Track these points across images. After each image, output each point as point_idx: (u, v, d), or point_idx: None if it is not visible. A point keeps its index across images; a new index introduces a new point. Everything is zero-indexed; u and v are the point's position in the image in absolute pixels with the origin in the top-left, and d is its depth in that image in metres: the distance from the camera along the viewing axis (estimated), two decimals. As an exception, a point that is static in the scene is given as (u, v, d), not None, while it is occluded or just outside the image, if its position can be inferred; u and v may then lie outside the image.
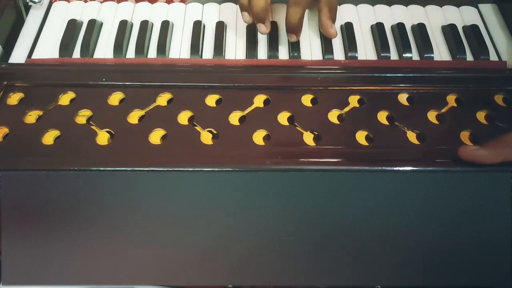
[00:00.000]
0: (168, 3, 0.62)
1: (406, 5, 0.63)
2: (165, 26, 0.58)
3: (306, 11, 0.56)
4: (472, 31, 0.58)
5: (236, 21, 0.60)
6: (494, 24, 0.60)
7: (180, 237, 0.40)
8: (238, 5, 0.62)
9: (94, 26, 0.57)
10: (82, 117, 0.47)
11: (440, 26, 0.60)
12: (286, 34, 0.56)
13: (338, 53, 0.56)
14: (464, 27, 0.59)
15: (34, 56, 0.55)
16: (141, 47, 0.55)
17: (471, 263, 0.39)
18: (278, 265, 0.39)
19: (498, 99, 0.50)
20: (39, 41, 0.57)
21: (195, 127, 0.46)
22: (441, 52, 0.57)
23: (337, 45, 0.57)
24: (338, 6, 0.62)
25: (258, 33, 0.58)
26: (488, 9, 0.62)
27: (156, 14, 0.61)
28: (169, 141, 0.45)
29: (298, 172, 0.43)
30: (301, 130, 0.46)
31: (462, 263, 0.39)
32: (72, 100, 0.49)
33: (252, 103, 0.49)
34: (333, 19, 0.57)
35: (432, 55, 0.56)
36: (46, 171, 0.42)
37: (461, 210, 0.40)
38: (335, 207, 0.40)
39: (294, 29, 0.55)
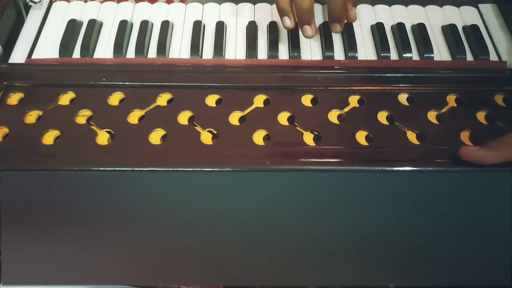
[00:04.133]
0: (168, 3, 0.62)
1: (406, 5, 0.63)
2: (165, 26, 0.58)
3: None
4: (472, 31, 0.58)
5: (236, 21, 0.60)
6: (494, 24, 0.60)
7: (180, 237, 0.39)
8: (238, 6, 0.62)
9: (94, 26, 0.57)
10: (82, 117, 0.47)
11: (440, 26, 0.60)
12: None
13: (338, 53, 0.56)
14: (464, 27, 0.59)
15: (34, 56, 0.55)
16: (141, 47, 0.55)
17: (471, 263, 0.39)
18: (278, 264, 0.39)
19: (498, 99, 0.50)
20: (39, 41, 0.57)
21: (195, 127, 0.46)
22: (441, 52, 0.57)
23: (337, 45, 0.57)
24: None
25: (258, 33, 0.58)
26: (488, 9, 0.62)
27: (156, 14, 0.61)
28: (169, 141, 0.45)
29: (298, 172, 0.43)
30: (301, 130, 0.46)
31: (462, 263, 0.39)
32: (72, 100, 0.49)
33: (252, 103, 0.49)
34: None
35: (432, 55, 0.56)
36: (46, 171, 0.42)
37: (461, 210, 0.40)
38: (335, 207, 0.40)
39: (338, 17, 0.54)
